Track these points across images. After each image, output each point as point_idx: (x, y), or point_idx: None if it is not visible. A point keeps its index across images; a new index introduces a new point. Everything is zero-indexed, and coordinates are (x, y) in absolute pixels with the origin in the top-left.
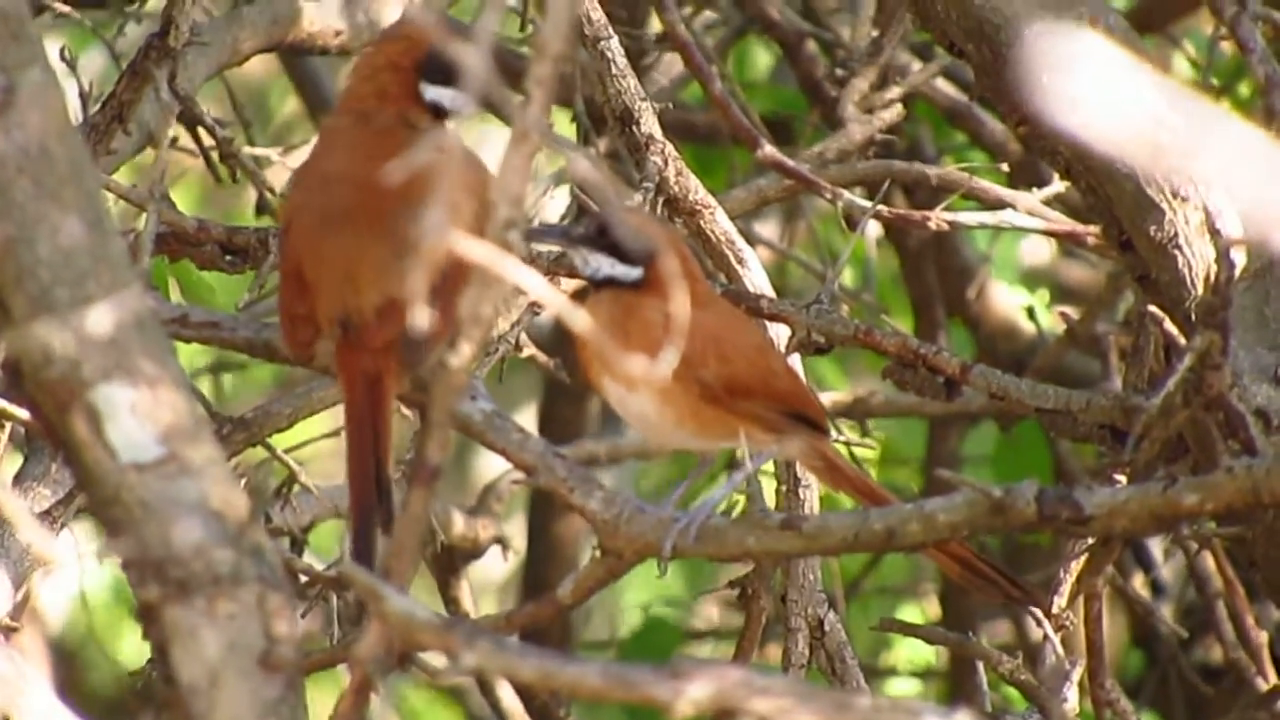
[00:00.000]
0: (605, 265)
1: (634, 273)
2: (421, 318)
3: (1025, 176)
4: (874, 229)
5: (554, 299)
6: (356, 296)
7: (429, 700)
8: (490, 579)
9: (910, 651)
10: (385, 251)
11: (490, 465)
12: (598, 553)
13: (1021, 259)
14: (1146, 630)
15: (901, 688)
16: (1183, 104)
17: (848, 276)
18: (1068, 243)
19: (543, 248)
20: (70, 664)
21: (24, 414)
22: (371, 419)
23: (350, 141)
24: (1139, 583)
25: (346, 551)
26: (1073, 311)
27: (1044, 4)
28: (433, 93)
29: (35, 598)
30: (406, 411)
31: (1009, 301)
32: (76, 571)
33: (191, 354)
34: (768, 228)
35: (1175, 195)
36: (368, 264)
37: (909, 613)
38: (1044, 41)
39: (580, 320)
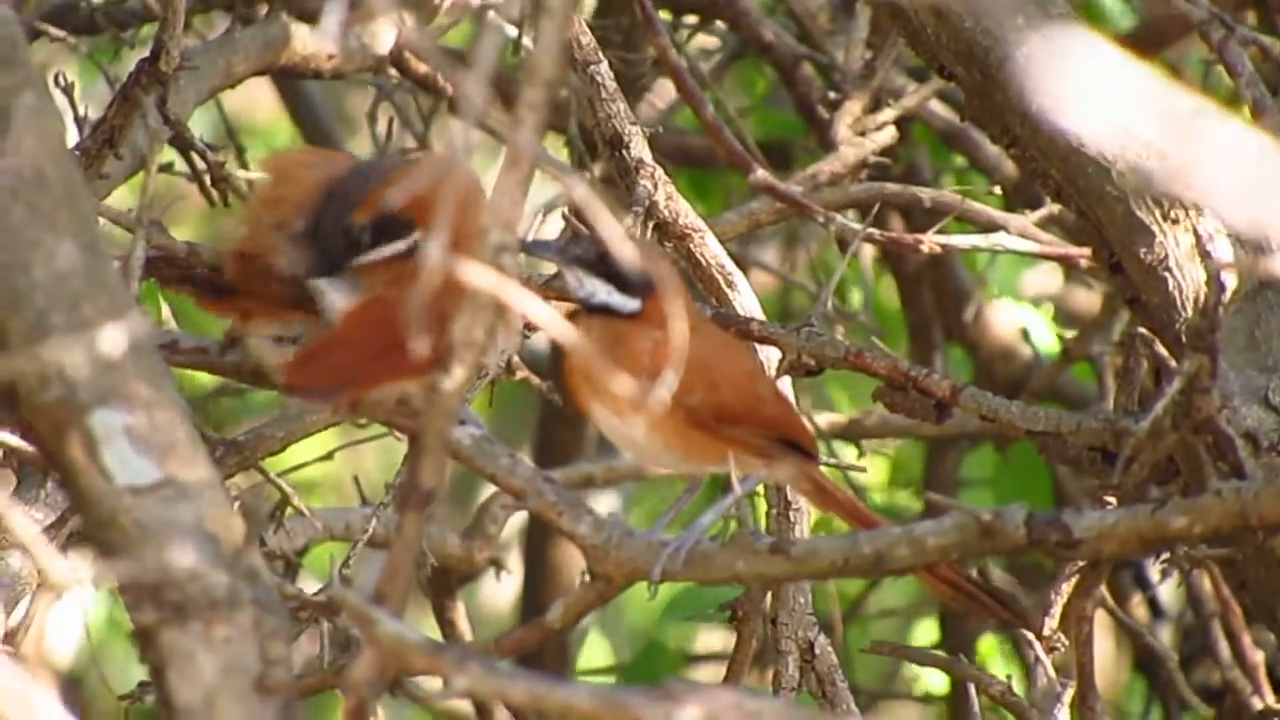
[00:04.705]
0: (602, 291)
1: (631, 304)
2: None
3: (1022, 198)
4: (872, 251)
5: (548, 317)
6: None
7: None
8: (496, 606)
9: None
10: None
11: (490, 488)
12: (587, 577)
13: (1025, 286)
14: (1148, 652)
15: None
16: (1180, 118)
17: (852, 299)
18: (1060, 265)
19: (538, 267)
20: (74, 690)
21: (17, 440)
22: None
23: None
24: (1137, 603)
25: (336, 570)
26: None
27: (1033, 25)
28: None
29: (40, 622)
30: (399, 437)
31: (1006, 324)
32: (82, 597)
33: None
34: (769, 253)
35: (1166, 218)
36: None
37: (920, 635)
38: (1034, 64)
39: (574, 340)
